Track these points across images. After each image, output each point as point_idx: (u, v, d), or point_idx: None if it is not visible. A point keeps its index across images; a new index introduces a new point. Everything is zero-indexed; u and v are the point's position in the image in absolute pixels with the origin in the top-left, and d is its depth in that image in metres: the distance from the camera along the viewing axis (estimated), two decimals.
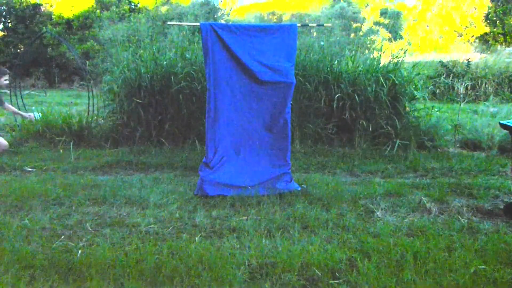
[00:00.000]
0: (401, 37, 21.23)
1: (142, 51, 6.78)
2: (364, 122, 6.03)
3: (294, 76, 4.47)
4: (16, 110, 5.94)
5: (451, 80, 12.03)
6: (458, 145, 6.42)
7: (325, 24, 5.96)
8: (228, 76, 4.43)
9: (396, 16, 23.28)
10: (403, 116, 6.17)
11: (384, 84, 6.00)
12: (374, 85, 6.01)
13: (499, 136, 6.22)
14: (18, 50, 19.63)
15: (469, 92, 11.79)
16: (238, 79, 4.45)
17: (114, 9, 18.40)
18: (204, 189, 4.15)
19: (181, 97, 6.13)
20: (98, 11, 18.36)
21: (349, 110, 6.07)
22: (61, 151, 5.99)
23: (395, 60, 6.41)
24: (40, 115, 7.07)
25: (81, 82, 17.45)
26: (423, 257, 2.77)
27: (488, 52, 16.33)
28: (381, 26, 21.22)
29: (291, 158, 4.63)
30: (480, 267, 2.63)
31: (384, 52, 7.07)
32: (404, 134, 6.01)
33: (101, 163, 5.39)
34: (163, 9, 18.35)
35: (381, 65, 6.42)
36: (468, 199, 4.08)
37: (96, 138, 6.51)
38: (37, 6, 19.35)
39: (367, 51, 7.79)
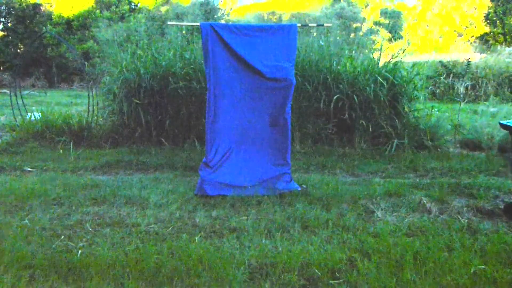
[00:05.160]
0: (401, 37, 21.22)
1: (140, 51, 6.78)
2: (364, 122, 6.03)
3: (294, 76, 4.47)
4: None
5: (451, 80, 12.03)
6: (458, 145, 6.42)
7: (325, 24, 5.96)
8: (228, 76, 4.44)
9: (396, 16, 23.26)
10: (403, 116, 6.17)
11: (384, 84, 6.00)
12: (373, 85, 6.01)
13: (499, 136, 6.22)
14: (18, 50, 19.63)
15: (469, 92, 11.78)
16: (239, 79, 4.45)
17: (114, 9, 18.39)
18: (204, 189, 4.15)
19: (180, 97, 6.13)
20: (98, 11, 18.35)
21: (348, 110, 6.07)
22: (61, 151, 5.99)
23: (394, 60, 6.41)
24: (40, 115, 7.07)
25: (81, 83, 17.47)
26: (423, 257, 2.77)
27: (488, 52, 16.33)
28: (381, 26, 21.20)
29: (291, 158, 4.63)
30: (480, 267, 2.63)
31: (383, 52, 7.06)
32: (404, 134, 6.01)
33: (101, 163, 5.39)
34: (163, 9, 18.34)
35: (380, 65, 6.42)
36: (468, 199, 4.08)
37: (96, 138, 6.51)
38: (37, 6, 19.34)
39: (366, 51, 7.78)
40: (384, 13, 23.46)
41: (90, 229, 3.30)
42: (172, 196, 4.04)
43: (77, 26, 18.54)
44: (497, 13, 23.59)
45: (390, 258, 2.75)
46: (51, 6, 19.46)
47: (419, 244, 2.94)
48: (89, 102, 6.88)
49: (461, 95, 10.43)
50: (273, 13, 21.45)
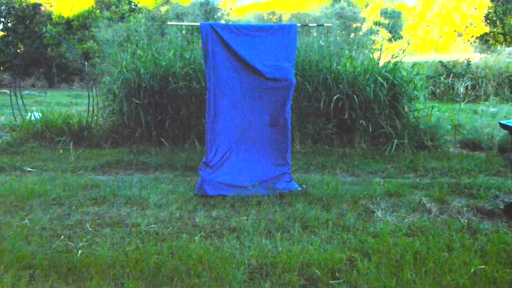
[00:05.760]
0: (401, 37, 21.21)
1: (140, 51, 6.78)
2: (364, 122, 6.03)
3: (294, 76, 4.47)
4: None
5: (451, 80, 12.03)
6: (458, 145, 6.42)
7: (325, 24, 5.96)
8: (228, 76, 4.44)
9: (396, 16, 23.25)
10: (403, 116, 6.17)
11: (384, 84, 6.01)
12: (373, 85, 6.01)
13: (499, 136, 6.22)
14: (18, 50, 19.63)
15: (469, 92, 11.77)
16: (239, 79, 4.45)
17: (114, 9, 18.39)
18: (204, 189, 4.15)
19: (180, 97, 6.13)
20: (98, 11, 18.35)
21: (348, 110, 6.08)
22: (61, 151, 5.99)
23: (394, 60, 6.41)
24: (40, 115, 7.07)
25: (81, 83, 17.46)
26: (423, 257, 2.77)
27: (488, 52, 16.32)
28: (381, 26, 21.19)
29: (291, 158, 4.63)
30: (480, 267, 2.63)
31: (383, 52, 7.07)
32: (404, 134, 6.01)
33: (101, 163, 5.39)
34: (163, 9, 18.34)
35: (380, 65, 6.42)
36: (468, 199, 4.08)
37: (96, 138, 6.51)
38: (37, 6, 19.35)
39: (366, 51, 7.78)
40: (384, 13, 23.45)
41: (90, 229, 3.30)
42: (172, 196, 4.04)
43: (77, 26, 18.55)
44: (497, 13, 23.59)
45: (390, 258, 2.75)
46: (51, 6, 19.46)
47: (419, 244, 2.94)
48: (89, 102, 6.88)
49: (461, 95, 10.43)
50: (273, 13, 21.44)
